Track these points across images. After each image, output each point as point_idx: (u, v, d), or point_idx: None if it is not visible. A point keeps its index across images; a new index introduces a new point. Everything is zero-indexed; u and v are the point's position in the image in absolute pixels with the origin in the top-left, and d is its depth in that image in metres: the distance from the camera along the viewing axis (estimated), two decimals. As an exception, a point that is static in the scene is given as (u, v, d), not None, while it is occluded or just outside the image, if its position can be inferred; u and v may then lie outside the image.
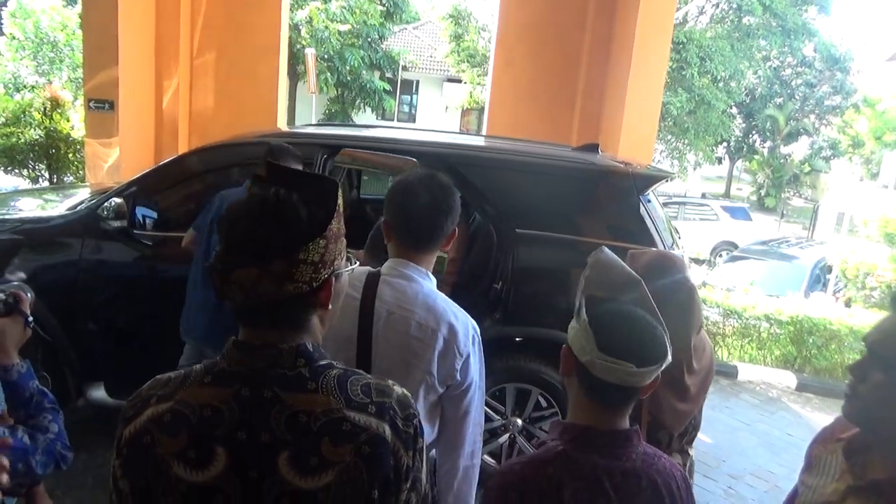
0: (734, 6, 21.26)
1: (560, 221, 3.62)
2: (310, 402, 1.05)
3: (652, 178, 3.73)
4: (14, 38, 16.12)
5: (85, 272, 3.65)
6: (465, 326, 1.79)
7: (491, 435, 3.77)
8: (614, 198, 3.65)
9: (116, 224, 3.64)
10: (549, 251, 3.61)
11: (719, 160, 31.25)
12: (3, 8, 17.29)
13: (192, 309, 3.39)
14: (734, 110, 26.90)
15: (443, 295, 1.83)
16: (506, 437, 3.73)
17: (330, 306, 1.16)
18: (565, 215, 3.65)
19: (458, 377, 1.77)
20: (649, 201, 3.69)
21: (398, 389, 1.16)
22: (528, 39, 7.45)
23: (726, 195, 31.66)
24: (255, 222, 1.05)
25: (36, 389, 1.61)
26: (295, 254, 1.04)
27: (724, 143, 29.83)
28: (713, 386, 5.60)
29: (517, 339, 3.69)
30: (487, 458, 3.76)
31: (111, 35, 6.51)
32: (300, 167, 3.08)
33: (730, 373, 6.54)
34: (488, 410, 3.71)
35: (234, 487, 1.03)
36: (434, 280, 1.86)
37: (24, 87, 14.66)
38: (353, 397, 1.09)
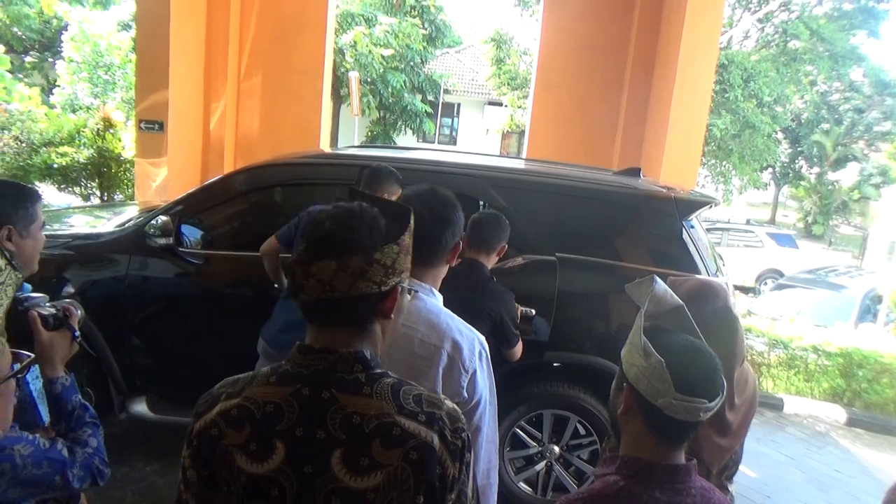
0: (780, 30, 20.98)
1: (600, 246, 3.58)
2: (364, 405, 1.12)
3: (695, 204, 3.67)
4: (72, 60, 16.78)
5: (130, 288, 3.73)
6: (471, 342, 1.76)
7: (527, 462, 3.72)
8: (656, 223, 3.60)
9: (162, 241, 3.72)
10: (588, 276, 3.57)
11: (765, 185, 30.62)
12: (63, 32, 18.04)
13: (285, 324, 3.28)
14: (780, 135, 26.38)
15: (447, 311, 1.80)
16: (542, 464, 3.67)
17: (392, 317, 1.23)
18: (606, 240, 3.61)
19: (465, 394, 1.74)
20: (692, 227, 3.63)
21: (449, 403, 1.21)
22: (570, 62, 7.45)
23: (772, 222, 30.97)
24: (339, 223, 1.15)
25: (78, 403, 1.63)
26: (372, 253, 1.14)
27: (770, 169, 29.25)
28: (757, 418, 5.44)
29: (555, 364, 3.64)
30: (523, 486, 3.70)
31: (162, 58, 6.73)
32: (401, 189, 3.12)
33: (775, 405, 6.34)
34: (524, 437, 3.66)
35: (290, 481, 1.09)
36: (439, 296, 1.84)
37: (80, 107, 15.19)
38: (405, 405, 1.14)
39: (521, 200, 3.60)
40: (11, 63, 20.88)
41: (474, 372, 1.75)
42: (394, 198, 3.14)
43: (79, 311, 1.71)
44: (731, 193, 23.54)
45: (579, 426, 3.64)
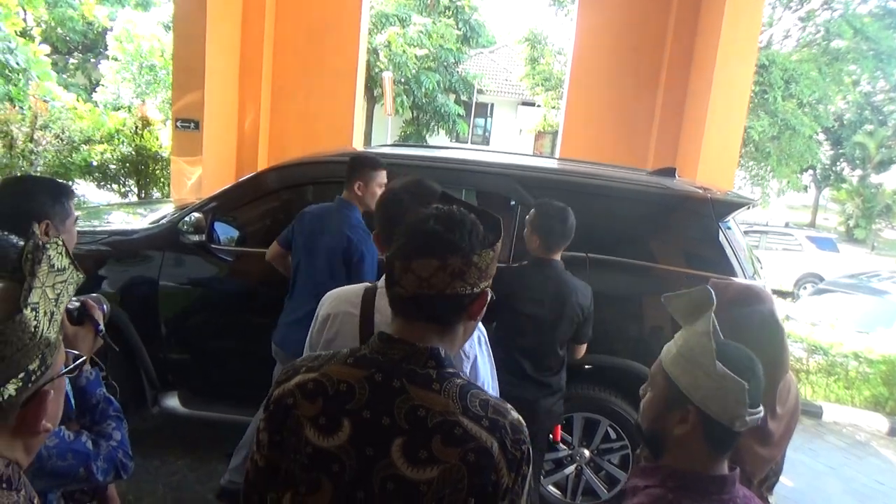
0: (822, 29, 20.49)
1: (634, 247, 3.52)
2: (431, 400, 1.15)
3: (732, 205, 3.59)
4: (117, 59, 17.17)
5: (164, 284, 3.78)
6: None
7: (556, 465, 3.67)
8: (692, 224, 3.53)
9: (195, 238, 3.76)
10: (621, 277, 3.51)
11: (805, 188, 29.93)
12: (109, 31, 18.46)
13: (288, 325, 3.29)
14: (821, 136, 25.75)
15: None
16: (572, 468, 3.62)
17: (478, 320, 1.29)
18: (639, 241, 3.55)
19: None
20: (729, 228, 3.55)
21: (514, 414, 1.22)
22: (605, 62, 7.37)
23: (812, 225, 30.26)
24: (444, 224, 1.20)
25: (102, 397, 1.64)
26: (471, 256, 1.19)
27: (811, 171, 28.57)
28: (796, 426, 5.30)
29: (586, 366, 3.59)
30: (552, 489, 3.66)
31: (199, 58, 6.82)
32: (381, 173, 3.23)
33: (814, 413, 6.17)
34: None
35: (352, 459, 1.14)
36: None
37: (122, 107, 15.52)
38: (471, 407, 1.16)
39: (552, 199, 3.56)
40: (56, 64, 21.46)
41: (475, 358, 1.78)
42: (377, 185, 3.18)
43: (104, 307, 1.72)
44: (769, 196, 23.06)
45: (610, 430, 3.58)
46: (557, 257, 3.06)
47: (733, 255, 3.43)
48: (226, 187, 4.13)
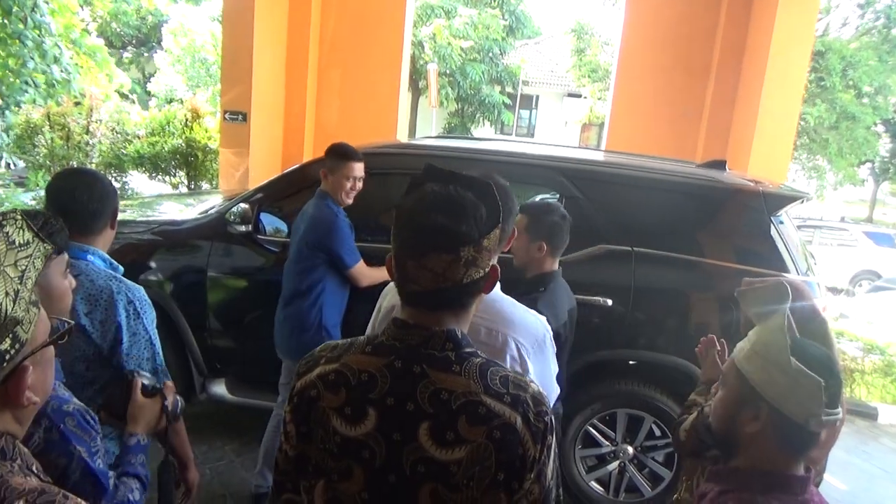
0: (882, 16, 19.69)
1: (681, 241, 3.44)
2: (452, 382, 1.16)
3: (785, 198, 3.48)
4: (171, 52, 17.60)
5: (212, 273, 3.85)
6: (535, 327, 1.77)
7: (599, 461, 3.63)
8: (742, 218, 3.43)
9: (242, 228, 3.82)
10: (668, 272, 3.43)
11: (862, 182, 28.86)
12: (164, 24, 18.93)
13: (284, 328, 3.38)
14: (880, 128, 24.77)
15: (510, 298, 1.80)
16: (615, 464, 3.57)
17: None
18: (687, 235, 3.47)
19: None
20: (782, 223, 3.44)
21: (534, 386, 1.23)
22: (653, 52, 7.23)
23: (869, 220, 29.19)
24: (449, 215, 1.16)
25: (140, 463, 1.63)
26: (481, 242, 1.17)
27: (868, 164, 27.53)
28: (848, 427, 5.14)
29: (630, 362, 3.54)
30: (595, 485, 3.62)
31: (246, 51, 6.93)
32: (359, 165, 3.29)
33: (869, 414, 5.96)
34: (597, 435, 3.57)
35: (380, 446, 1.16)
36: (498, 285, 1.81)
37: (174, 99, 15.90)
38: (492, 385, 1.17)
39: (597, 192, 3.50)
40: (111, 58, 22.06)
41: (541, 356, 1.76)
42: (343, 176, 3.22)
43: (179, 402, 1.80)
44: (824, 189, 22.32)
45: (654, 427, 3.52)
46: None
47: (785, 251, 3.33)
48: (272, 178, 4.18)
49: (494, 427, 1.14)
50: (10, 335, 0.92)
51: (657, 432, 3.52)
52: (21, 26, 7.47)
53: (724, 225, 3.47)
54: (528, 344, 1.73)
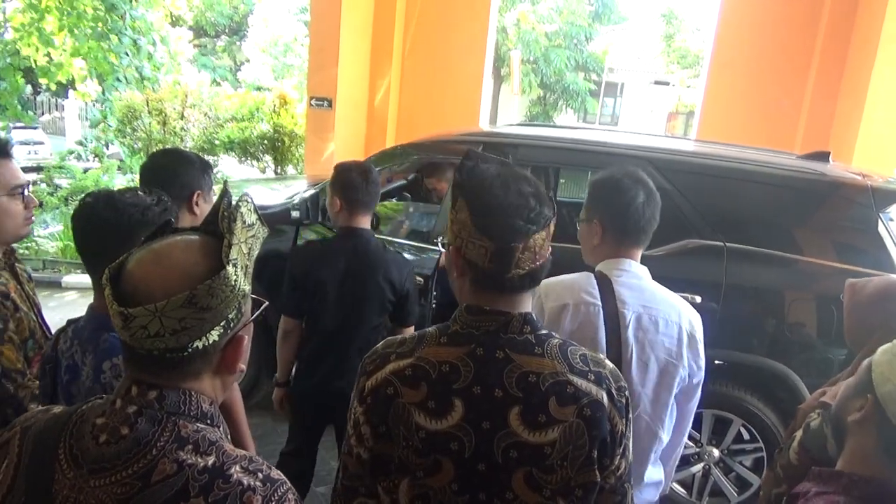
0: None
1: (778, 237, 3.25)
2: (538, 365, 1.16)
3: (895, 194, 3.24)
4: (257, 44, 18.18)
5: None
6: (697, 315, 1.81)
7: (683, 462, 3.50)
8: (847, 214, 3.21)
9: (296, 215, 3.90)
10: (762, 269, 3.26)
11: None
12: (250, 14, 19.56)
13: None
14: None
15: (666, 288, 1.83)
16: (699, 466, 3.44)
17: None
18: (785, 231, 3.28)
19: (697, 366, 1.79)
20: (891, 219, 3.20)
21: (609, 363, 1.25)
22: (751, 38, 6.87)
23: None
24: (535, 196, 1.17)
25: None
26: (554, 217, 1.20)
27: None
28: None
29: (717, 361, 3.39)
30: (676, 487, 3.50)
31: (333, 38, 7.03)
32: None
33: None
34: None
35: (469, 436, 1.15)
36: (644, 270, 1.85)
37: (262, 87, 16.42)
38: (575, 364, 1.18)
39: (687, 183, 3.35)
40: (205, 47, 22.97)
41: (702, 344, 1.80)
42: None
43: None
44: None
45: (743, 430, 3.36)
46: (366, 224, 2.64)
47: (894, 249, 3.10)
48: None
49: (584, 405, 1.15)
50: (237, 306, 0.99)
51: (746, 436, 3.37)
52: (120, 23, 7.84)
53: (826, 220, 3.26)
54: (699, 330, 1.80)
